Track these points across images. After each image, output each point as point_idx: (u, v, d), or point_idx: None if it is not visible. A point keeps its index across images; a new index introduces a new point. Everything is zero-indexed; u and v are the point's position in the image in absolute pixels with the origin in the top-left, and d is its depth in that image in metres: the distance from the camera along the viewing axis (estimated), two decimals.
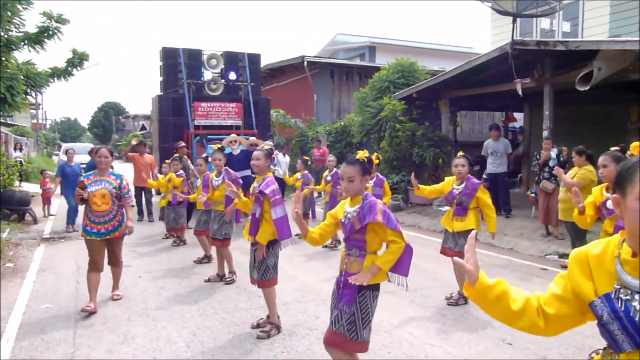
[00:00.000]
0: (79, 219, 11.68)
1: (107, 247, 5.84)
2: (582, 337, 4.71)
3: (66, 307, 5.90)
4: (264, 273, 4.87)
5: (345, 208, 3.38)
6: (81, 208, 11.61)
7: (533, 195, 9.95)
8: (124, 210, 5.81)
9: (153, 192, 12.08)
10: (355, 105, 16.11)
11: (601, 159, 4.50)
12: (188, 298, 6.18)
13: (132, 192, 5.89)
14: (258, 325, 5.07)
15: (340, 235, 3.72)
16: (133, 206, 5.83)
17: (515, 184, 14.19)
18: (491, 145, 11.11)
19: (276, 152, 13.16)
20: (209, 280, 6.86)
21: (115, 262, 6.06)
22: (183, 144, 12.32)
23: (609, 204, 4.35)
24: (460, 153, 6.20)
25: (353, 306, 3.26)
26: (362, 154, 3.44)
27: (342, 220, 3.35)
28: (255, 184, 4.94)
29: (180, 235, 9.50)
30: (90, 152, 12.97)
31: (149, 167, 12.21)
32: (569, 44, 9.08)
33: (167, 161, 10.24)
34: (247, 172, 10.24)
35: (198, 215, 7.77)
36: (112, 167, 5.88)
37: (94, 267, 5.74)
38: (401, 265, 3.46)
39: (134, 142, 12.75)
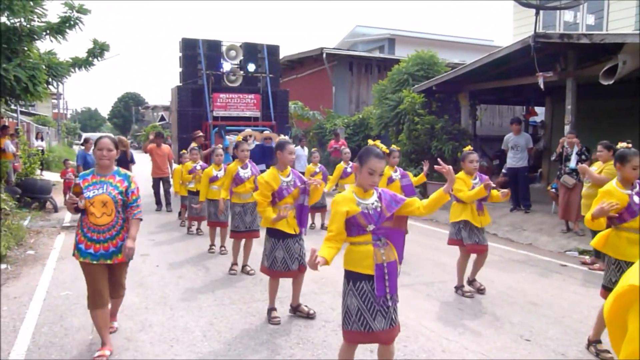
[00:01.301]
0: None
1: (108, 273, 4.34)
2: (602, 336, 4.64)
3: (85, 294, 5.92)
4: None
5: (360, 200, 3.34)
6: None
7: (554, 190, 9.82)
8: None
9: (171, 182, 12.12)
10: (374, 97, 16.03)
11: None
12: (205, 288, 6.22)
13: (141, 201, 4.37)
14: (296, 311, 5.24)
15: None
16: (141, 219, 4.36)
17: (535, 179, 14.03)
18: (512, 140, 10.98)
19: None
20: (247, 273, 6.83)
21: (117, 292, 4.51)
22: (200, 133, 12.37)
23: (636, 199, 4.25)
24: (470, 147, 6.19)
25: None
26: (384, 147, 3.47)
27: (364, 212, 3.30)
28: (286, 178, 5.05)
29: (199, 225, 9.62)
30: (84, 143, 12.34)
31: (166, 158, 12.36)
32: (593, 37, 8.90)
33: (184, 151, 10.32)
34: (263, 167, 10.25)
35: (207, 207, 7.87)
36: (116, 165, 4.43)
37: (97, 301, 4.27)
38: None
39: (151, 137, 12.89)
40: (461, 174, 5.95)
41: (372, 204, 3.33)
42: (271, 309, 5.14)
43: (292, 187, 5.01)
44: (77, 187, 4.12)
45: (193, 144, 10.99)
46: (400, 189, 7.39)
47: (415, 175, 12.88)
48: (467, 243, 5.88)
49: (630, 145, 4.48)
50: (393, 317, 3.33)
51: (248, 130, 11.38)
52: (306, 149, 14.22)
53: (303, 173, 11.12)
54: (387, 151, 3.49)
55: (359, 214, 3.28)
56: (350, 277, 3.35)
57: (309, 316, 5.14)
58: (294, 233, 4.99)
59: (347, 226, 3.32)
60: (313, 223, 10.20)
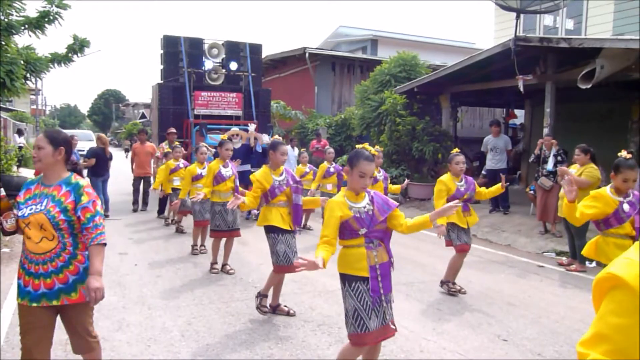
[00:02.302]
0: None
1: (62, 319, 3.19)
2: (578, 335, 4.71)
3: None
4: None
5: (352, 204, 3.34)
6: None
7: (532, 192, 9.93)
8: (86, 251, 3.09)
9: (152, 181, 11.98)
10: (356, 98, 16.05)
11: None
12: (184, 287, 6.17)
13: (102, 220, 3.13)
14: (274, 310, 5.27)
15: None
16: (104, 244, 3.09)
17: (514, 180, 14.18)
18: (491, 142, 11.09)
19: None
20: (227, 272, 6.79)
21: (82, 346, 3.26)
22: (173, 130, 12.19)
23: (626, 207, 4.32)
24: (457, 150, 6.21)
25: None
26: (373, 150, 3.52)
27: (357, 217, 3.31)
28: (279, 177, 5.16)
29: (179, 220, 9.55)
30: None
31: (150, 156, 12.12)
32: (572, 42, 9.03)
33: (168, 149, 10.25)
34: (247, 167, 10.20)
35: (195, 205, 7.79)
36: (72, 170, 3.26)
37: None
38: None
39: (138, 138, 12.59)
40: (447, 176, 5.96)
41: (364, 207, 3.35)
42: (265, 295, 5.24)
43: (284, 185, 5.15)
44: (5, 203, 3.20)
45: (176, 142, 10.90)
46: (383, 189, 7.44)
47: (395, 177, 12.97)
48: (456, 244, 5.92)
49: (630, 155, 4.47)
50: (386, 315, 3.36)
51: (235, 129, 11.28)
52: (296, 149, 14.14)
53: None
54: (376, 153, 3.53)
55: (351, 218, 3.29)
56: (346, 279, 3.36)
57: (289, 314, 5.19)
58: (289, 229, 5.12)
59: (340, 230, 3.34)
60: (306, 224, 10.10)
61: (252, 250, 8.11)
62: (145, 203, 12.22)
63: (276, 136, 5.75)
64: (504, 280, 6.77)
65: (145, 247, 8.39)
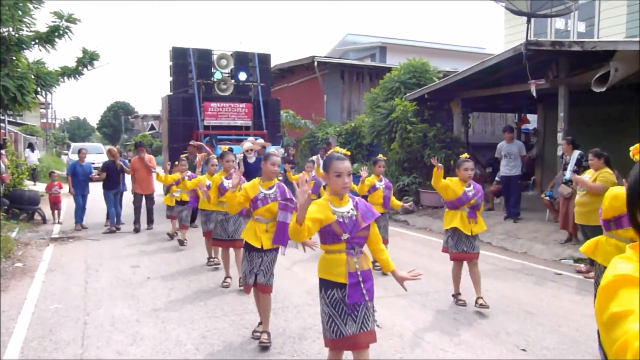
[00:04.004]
0: (91, 218, 11.77)
1: None
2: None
3: (75, 307, 5.91)
4: (270, 278, 4.87)
5: (335, 208, 3.34)
6: (93, 207, 11.65)
7: (547, 198, 9.85)
8: None
9: (155, 198, 11.74)
10: (366, 106, 16.05)
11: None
12: (197, 299, 6.17)
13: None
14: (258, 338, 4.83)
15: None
16: None
17: (528, 186, 14.09)
18: (505, 148, 11.03)
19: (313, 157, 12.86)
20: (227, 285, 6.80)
21: None
22: (193, 142, 12.32)
23: None
24: (466, 155, 6.18)
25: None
26: (344, 151, 3.56)
27: (340, 221, 3.30)
28: (266, 190, 4.96)
29: (183, 234, 9.59)
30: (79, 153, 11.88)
31: (150, 171, 11.38)
32: (585, 45, 8.98)
33: (177, 163, 10.30)
34: None
35: (201, 217, 7.86)
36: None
37: None
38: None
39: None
40: (454, 180, 5.95)
41: (348, 212, 3.35)
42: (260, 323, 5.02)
43: (269, 199, 4.91)
44: None
45: (183, 155, 10.97)
46: (382, 197, 7.46)
47: (407, 185, 12.94)
48: (452, 251, 5.88)
49: None
50: (365, 321, 3.32)
51: (248, 145, 11.28)
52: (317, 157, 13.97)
53: (324, 186, 11.08)
54: (348, 153, 3.57)
55: (334, 222, 3.28)
56: (323, 285, 3.38)
57: (261, 343, 4.72)
58: (258, 247, 4.83)
59: (321, 234, 3.35)
60: None
61: None
62: (150, 221, 11.52)
63: (272, 149, 5.66)
64: (521, 288, 6.71)
65: (157, 259, 8.41)
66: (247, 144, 11.14)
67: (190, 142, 12.30)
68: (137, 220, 11.15)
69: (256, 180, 5.05)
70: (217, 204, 6.79)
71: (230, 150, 7.36)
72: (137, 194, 11.35)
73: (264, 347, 4.64)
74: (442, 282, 6.82)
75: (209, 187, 7.79)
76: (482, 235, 9.46)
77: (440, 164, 5.83)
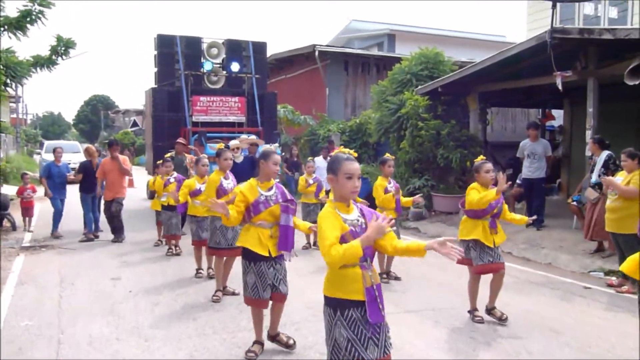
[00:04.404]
0: (66, 224, 11.76)
1: None
2: None
3: (48, 324, 5.91)
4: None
5: (344, 216, 3.31)
6: (68, 211, 11.60)
7: (574, 203, 9.84)
8: None
9: (124, 202, 11.20)
10: (373, 100, 16.06)
11: None
12: (185, 315, 6.17)
13: None
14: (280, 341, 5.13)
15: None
16: None
17: (553, 190, 14.07)
18: (528, 147, 10.99)
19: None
20: (232, 294, 6.87)
21: None
22: (182, 140, 12.29)
23: None
24: (482, 157, 6.18)
25: None
26: (352, 152, 3.56)
27: (353, 231, 3.26)
28: (266, 192, 4.98)
29: (176, 244, 9.59)
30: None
31: (122, 173, 11.00)
32: (617, 32, 8.98)
33: (160, 161, 10.31)
34: None
35: (191, 225, 7.86)
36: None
37: None
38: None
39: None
40: (475, 185, 5.95)
41: (357, 220, 3.35)
42: (255, 341, 5.06)
43: (271, 202, 4.94)
44: None
45: (167, 155, 10.97)
46: (395, 201, 7.51)
47: (418, 188, 12.94)
48: (477, 264, 5.86)
49: None
50: (387, 344, 3.32)
51: (235, 142, 11.31)
52: (319, 159, 13.94)
53: (327, 192, 11.07)
54: (355, 154, 3.56)
55: (347, 233, 3.25)
56: (338, 305, 3.29)
57: (288, 346, 5.06)
58: (267, 255, 4.88)
59: None
60: (307, 243, 10.10)
61: None
62: (118, 228, 10.95)
63: (267, 146, 5.64)
64: (545, 304, 6.70)
65: (140, 270, 8.41)
66: (234, 141, 11.16)
67: (179, 140, 12.27)
68: (114, 230, 10.89)
69: (253, 181, 5.02)
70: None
71: (227, 147, 7.37)
72: (108, 202, 10.88)
73: (290, 346, 5.05)
74: (458, 296, 6.81)
75: (200, 191, 7.80)
76: (502, 245, 9.45)
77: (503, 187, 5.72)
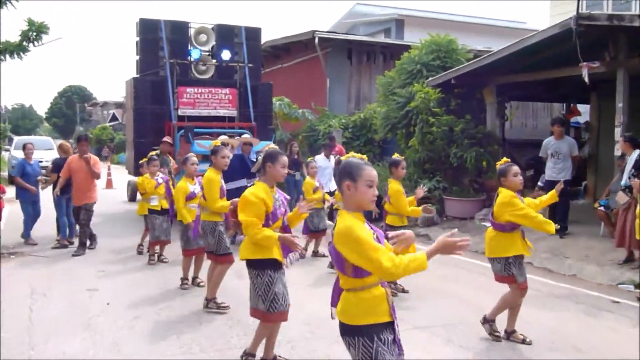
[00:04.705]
0: (38, 229, 11.74)
1: None
2: None
3: (17, 340, 5.90)
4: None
5: (368, 226, 3.33)
6: (44, 215, 11.50)
7: (602, 208, 9.84)
8: None
9: (93, 209, 10.81)
10: (378, 92, 16.07)
11: None
12: (169, 331, 6.17)
13: None
14: None
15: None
16: None
17: (578, 193, 14.06)
18: (553, 145, 10.95)
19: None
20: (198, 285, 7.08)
21: None
22: (168, 139, 12.30)
23: None
24: (506, 160, 6.10)
25: None
26: (364, 157, 3.54)
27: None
28: (276, 197, 5.04)
29: (162, 251, 9.65)
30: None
31: (92, 176, 10.53)
32: None
33: (143, 160, 10.30)
34: (244, 182, 10.23)
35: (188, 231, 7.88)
36: None
37: None
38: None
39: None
40: (506, 192, 5.82)
41: (373, 232, 3.34)
42: (252, 355, 5.11)
43: (282, 207, 5.06)
44: None
45: (152, 153, 10.95)
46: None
47: (429, 191, 12.92)
48: (521, 281, 5.81)
49: None
50: None
51: (223, 137, 11.30)
52: (332, 158, 13.85)
53: (332, 192, 11.06)
54: (365, 158, 3.56)
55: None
56: (373, 332, 3.24)
57: None
58: (282, 262, 5.03)
59: (354, 266, 3.22)
60: (304, 250, 10.08)
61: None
62: (90, 239, 10.71)
63: (271, 145, 5.62)
64: (570, 320, 6.71)
65: (120, 281, 8.42)
66: (223, 137, 11.16)
67: (165, 139, 12.25)
68: (84, 241, 10.43)
69: (265, 187, 4.97)
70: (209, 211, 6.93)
71: (224, 145, 7.37)
72: (77, 208, 10.58)
73: None
74: (473, 312, 6.81)
75: (194, 194, 7.80)
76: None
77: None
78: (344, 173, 3.34)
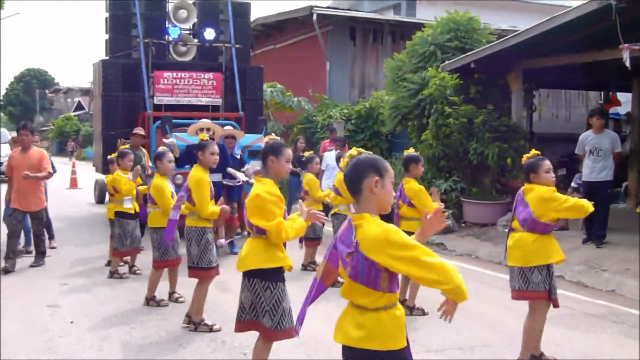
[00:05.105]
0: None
1: None
2: None
3: None
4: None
5: None
6: None
7: None
8: None
9: (45, 216, 10.79)
10: (387, 78, 16.07)
11: None
12: (142, 354, 6.17)
13: None
14: None
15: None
16: None
17: (617, 196, 14.03)
18: (591, 140, 10.84)
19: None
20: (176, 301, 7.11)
21: None
22: (140, 130, 12.25)
23: None
24: (535, 151, 6.01)
25: None
26: (362, 150, 3.54)
27: None
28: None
29: (133, 261, 9.65)
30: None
31: (35, 170, 9.79)
32: None
33: (113, 155, 10.27)
34: (217, 177, 10.17)
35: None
36: None
37: None
38: None
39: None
40: (541, 187, 5.73)
41: None
42: None
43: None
44: None
45: (123, 145, 10.93)
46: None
47: (444, 193, 12.92)
48: (555, 297, 5.79)
49: None
50: None
51: (204, 121, 11.25)
52: (332, 153, 13.72)
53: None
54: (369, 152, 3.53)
55: None
56: (394, 357, 3.28)
57: None
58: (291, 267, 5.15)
59: (390, 279, 3.24)
60: (314, 261, 10.03)
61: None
62: (41, 252, 10.37)
63: (273, 135, 5.56)
64: (607, 342, 6.71)
65: (86, 296, 8.41)
66: (202, 120, 11.12)
67: (136, 130, 12.19)
68: (13, 253, 9.96)
69: (272, 182, 4.99)
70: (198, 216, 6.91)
71: (212, 139, 7.36)
72: (17, 211, 10.00)
73: None
74: (495, 333, 6.82)
75: (173, 195, 7.78)
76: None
77: None
78: (368, 168, 3.30)
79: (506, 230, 6.20)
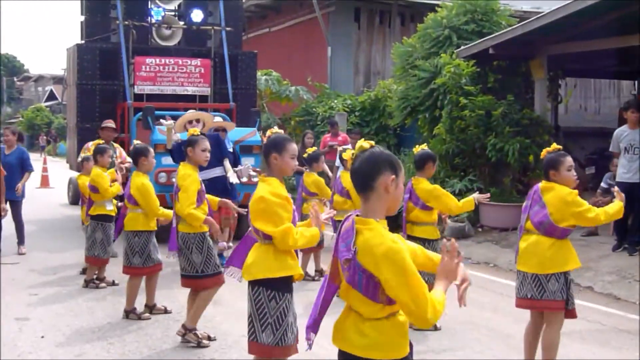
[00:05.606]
0: None
1: None
2: None
3: None
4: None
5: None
6: None
7: None
8: None
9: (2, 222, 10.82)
10: (395, 65, 16.08)
11: None
12: None
13: None
14: None
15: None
16: None
17: None
18: (627, 136, 10.77)
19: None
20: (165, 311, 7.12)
21: None
22: (110, 123, 12.18)
23: None
24: (556, 146, 5.97)
25: None
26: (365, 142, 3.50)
27: None
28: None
29: (101, 272, 9.60)
30: None
31: None
32: None
33: (87, 151, 10.26)
34: (218, 172, 10.18)
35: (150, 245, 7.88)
36: None
37: None
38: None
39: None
40: (561, 187, 5.75)
41: None
42: None
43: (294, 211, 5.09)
44: None
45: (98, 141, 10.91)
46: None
47: (459, 193, 12.92)
48: (573, 307, 5.80)
49: None
50: None
51: (192, 112, 11.24)
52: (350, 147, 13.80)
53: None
54: (372, 144, 3.48)
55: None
56: None
57: None
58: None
59: None
60: (320, 268, 10.03)
61: (229, 312, 8.09)
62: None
63: (275, 129, 5.49)
64: None
65: (58, 308, 8.40)
66: (191, 112, 11.11)
67: (106, 123, 12.10)
68: None
69: (278, 182, 4.98)
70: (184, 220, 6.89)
71: (202, 134, 7.36)
72: None
73: None
74: (514, 350, 6.82)
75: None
76: (580, 276, 9.45)
77: None
78: (384, 164, 3.27)
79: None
